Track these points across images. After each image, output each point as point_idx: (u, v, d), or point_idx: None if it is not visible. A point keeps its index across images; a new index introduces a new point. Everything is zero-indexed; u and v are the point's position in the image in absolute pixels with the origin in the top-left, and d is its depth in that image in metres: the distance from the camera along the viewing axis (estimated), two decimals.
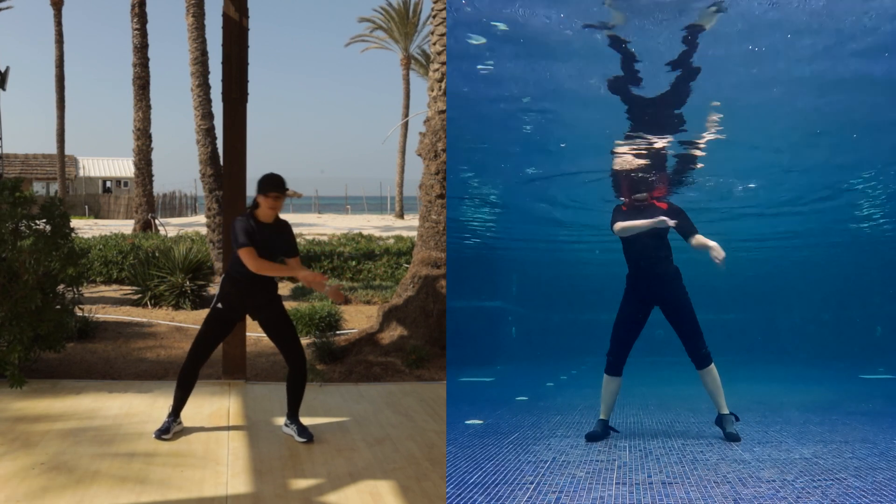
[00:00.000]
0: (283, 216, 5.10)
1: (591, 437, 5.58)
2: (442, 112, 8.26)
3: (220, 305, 5.12)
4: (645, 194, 5.78)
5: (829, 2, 4.67)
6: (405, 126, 44.38)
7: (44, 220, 6.67)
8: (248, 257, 4.82)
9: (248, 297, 5.10)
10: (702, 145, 7.62)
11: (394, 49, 46.85)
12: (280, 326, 5.20)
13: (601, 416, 5.72)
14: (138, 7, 21.84)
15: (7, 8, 38.03)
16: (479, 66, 5.82)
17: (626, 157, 7.83)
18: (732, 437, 5.53)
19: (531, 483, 4.29)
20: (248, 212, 5.04)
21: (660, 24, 4.93)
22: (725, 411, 5.65)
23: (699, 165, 8.37)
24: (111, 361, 7.54)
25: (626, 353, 5.65)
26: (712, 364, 5.61)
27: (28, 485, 4.29)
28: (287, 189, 4.96)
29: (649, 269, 5.63)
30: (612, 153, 7.75)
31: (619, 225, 5.55)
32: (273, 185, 4.93)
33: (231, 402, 6.09)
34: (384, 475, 4.59)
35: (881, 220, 12.86)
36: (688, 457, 5.00)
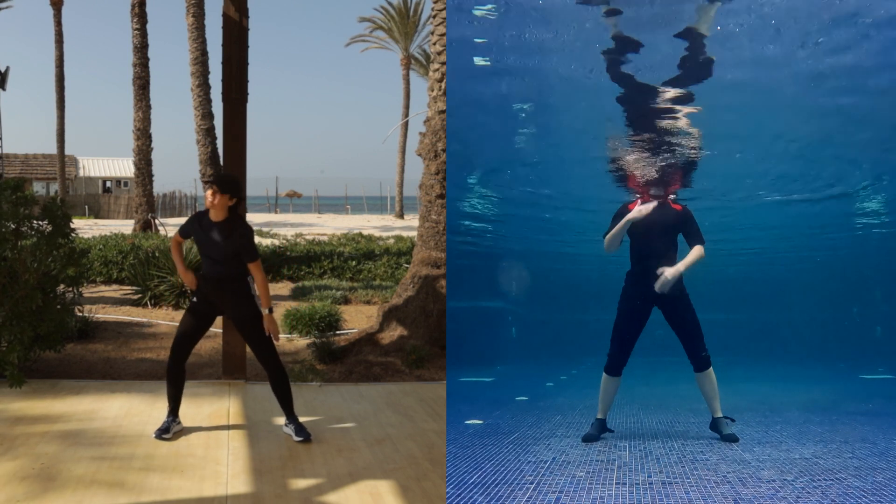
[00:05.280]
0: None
1: (588, 439, 5.56)
2: (442, 112, 8.26)
3: (194, 299, 5.23)
4: (660, 195, 5.73)
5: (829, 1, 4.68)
6: (405, 126, 44.37)
7: (45, 221, 6.67)
8: (173, 238, 5.37)
9: (215, 293, 5.15)
10: (695, 148, 7.61)
11: (394, 49, 46.87)
12: (248, 327, 5.19)
13: (598, 416, 5.69)
14: (138, 7, 21.86)
15: (7, 7, 38.07)
16: (479, 66, 5.82)
17: (635, 152, 7.78)
18: (730, 438, 5.52)
19: (531, 483, 4.29)
20: (205, 209, 5.16)
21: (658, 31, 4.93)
22: (720, 415, 5.64)
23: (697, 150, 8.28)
24: (111, 361, 7.53)
25: (628, 354, 5.62)
26: (711, 368, 5.59)
27: (28, 485, 4.29)
28: (233, 192, 5.03)
29: (654, 268, 5.58)
30: (615, 149, 7.73)
31: (606, 240, 5.59)
32: (215, 178, 5.06)
33: (231, 402, 6.09)
34: (384, 475, 4.59)
35: (881, 220, 12.86)
36: (688, 457, 5.00)
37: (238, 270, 5.08)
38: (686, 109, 6.79)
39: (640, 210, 5.48)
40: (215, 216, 5.03)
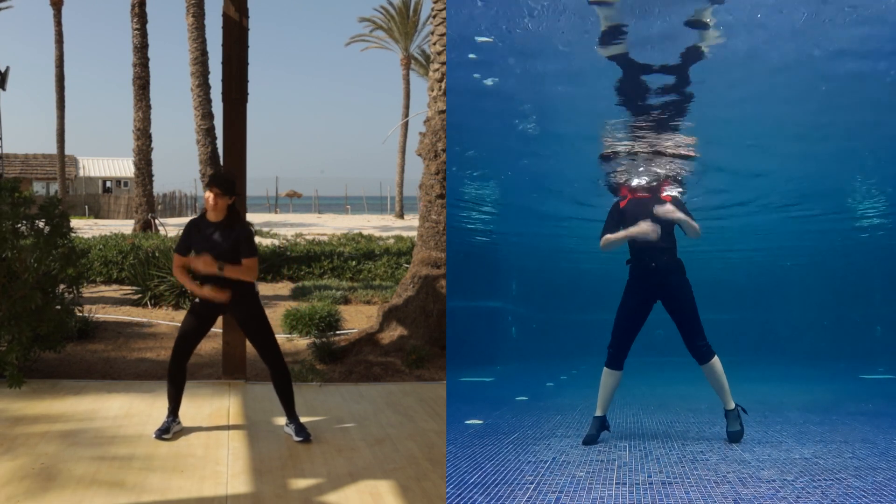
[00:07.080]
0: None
1: (588, 441, 5.51)
2: (442, 112, 8.26)
3: (197, 300, 5.21)
4: (647, 187, 5.75)
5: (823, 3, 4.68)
6: (405, 126, 44.37)
7: (43, 220, 6.67)
8: (173, 261, 5.33)
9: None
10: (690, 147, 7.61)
11: (394, 49, 46.85)
12: (253, 326, 5.21)
13: (597, 413, 5.61)
14: (138, 7, 21.86)
15: (7, 8, 38.07)
16: (479, 66, 5.82)
17: (625, 153, 7.80)
18: (734, 437, 5.48)
19: (531, 483, 4.29)
20: (201, 212, 5.17)
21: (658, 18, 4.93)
22: (731, 406, 5.54)
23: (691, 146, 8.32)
24: (111, 361, 7.54)
25: (628, 347, 5.58)
26: (715, 358, 5.52)
27: (27, 485, 4.29)
28: (233, 191, 5.06)
29: (652, 262, 5.58)
30: (611, 153, 7.75)
31: (604, 240, 5.59)
32: (216, 180, 5.04)
33: (231, 402, 6.09)
34: (384, 475, 4.59)
35: (881, 221, 12.85)
36: (688, 457, 5.00)
37: None
38: (678, 140, 6.85)
39: (633, 230, 5.48)
40: (215, 217, 5.06)
